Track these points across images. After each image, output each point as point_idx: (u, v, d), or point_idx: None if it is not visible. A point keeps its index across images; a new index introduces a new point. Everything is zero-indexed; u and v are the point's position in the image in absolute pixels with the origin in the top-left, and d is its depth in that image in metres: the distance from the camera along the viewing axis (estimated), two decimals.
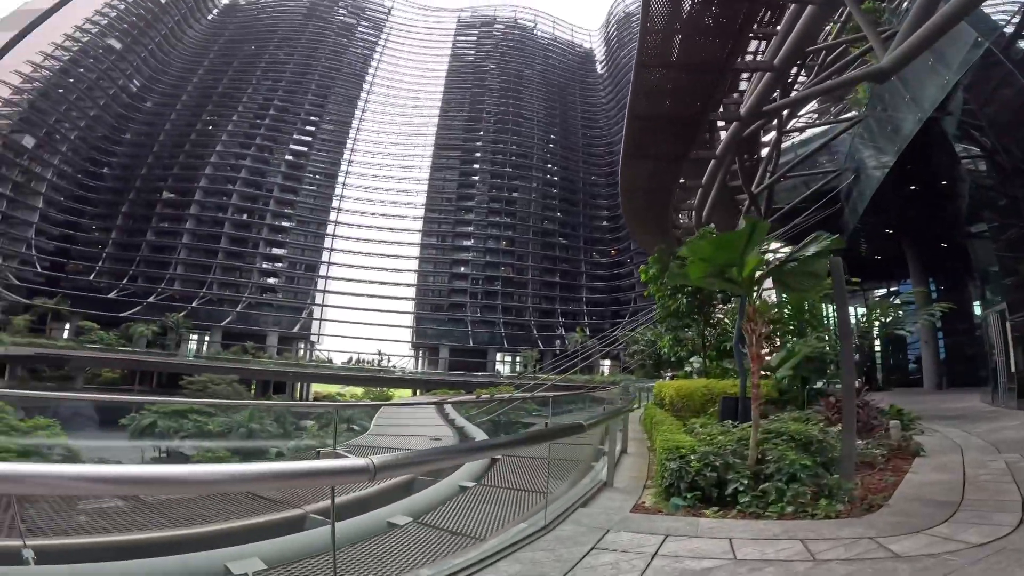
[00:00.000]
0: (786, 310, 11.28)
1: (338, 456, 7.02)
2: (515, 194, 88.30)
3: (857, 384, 8.03)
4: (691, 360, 15.98)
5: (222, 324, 68.71)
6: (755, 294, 5.91)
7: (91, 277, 67.74)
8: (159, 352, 60.05)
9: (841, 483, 4.79)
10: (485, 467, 7.49)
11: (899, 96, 17.54)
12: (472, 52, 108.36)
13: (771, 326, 10.46)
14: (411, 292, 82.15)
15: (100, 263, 69.88)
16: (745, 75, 15.84)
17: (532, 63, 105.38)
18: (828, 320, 12.46)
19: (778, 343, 11.58)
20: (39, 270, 63.96)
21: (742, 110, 13.81)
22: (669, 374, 20.73)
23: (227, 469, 1.94)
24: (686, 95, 13.35)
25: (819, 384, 10.09)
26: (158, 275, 70.34)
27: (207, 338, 68.99)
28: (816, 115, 25.29)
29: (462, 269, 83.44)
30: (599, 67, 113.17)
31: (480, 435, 14.26)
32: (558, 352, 70.43)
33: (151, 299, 66.55)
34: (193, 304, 68.09)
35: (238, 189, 78.61)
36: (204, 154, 79.60)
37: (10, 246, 62.40)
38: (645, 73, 12.74)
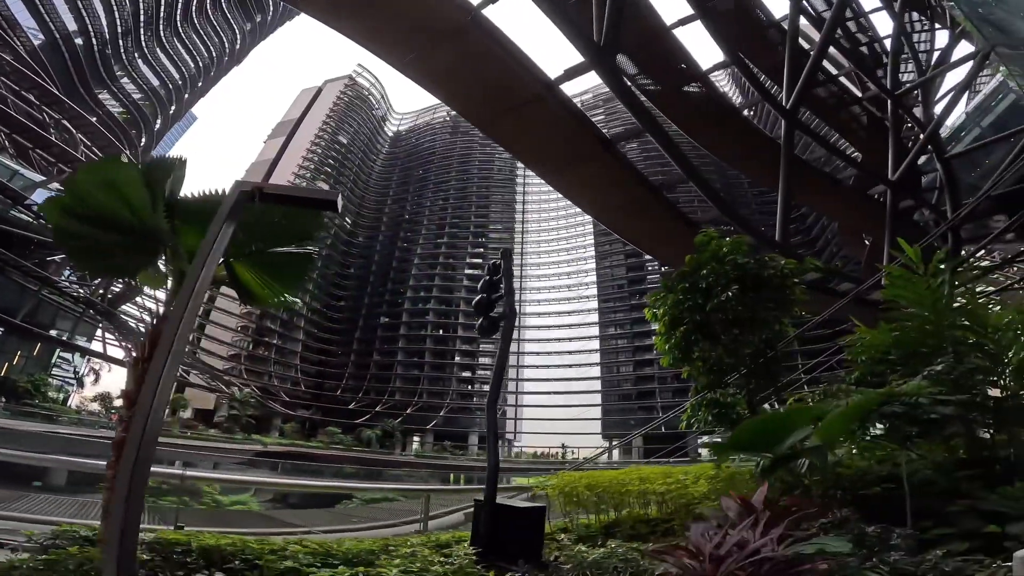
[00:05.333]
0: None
1: None
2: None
3: None
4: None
5: (429, 427, 78.37)
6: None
7: (338, 392, 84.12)
8: (382, 451, 70.69)
9: None
10: None
11: None
12: (605, 129, 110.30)
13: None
14: (598, 384, 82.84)
15: (344, 381, 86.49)
16: None
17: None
18: None
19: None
20: (304, 389, 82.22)
21: None
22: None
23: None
24: None
25: None
26: (383, 388, 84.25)
27: (425, 439, 78.99)
28: None
29: (655, 354, 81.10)
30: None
31: None
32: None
33: (377, 408, 79.68)
34: (408, 411, 79.24)
35: (433, 307, 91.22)
36: (404, 278, 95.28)
37: (284, 372, 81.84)
38: None
